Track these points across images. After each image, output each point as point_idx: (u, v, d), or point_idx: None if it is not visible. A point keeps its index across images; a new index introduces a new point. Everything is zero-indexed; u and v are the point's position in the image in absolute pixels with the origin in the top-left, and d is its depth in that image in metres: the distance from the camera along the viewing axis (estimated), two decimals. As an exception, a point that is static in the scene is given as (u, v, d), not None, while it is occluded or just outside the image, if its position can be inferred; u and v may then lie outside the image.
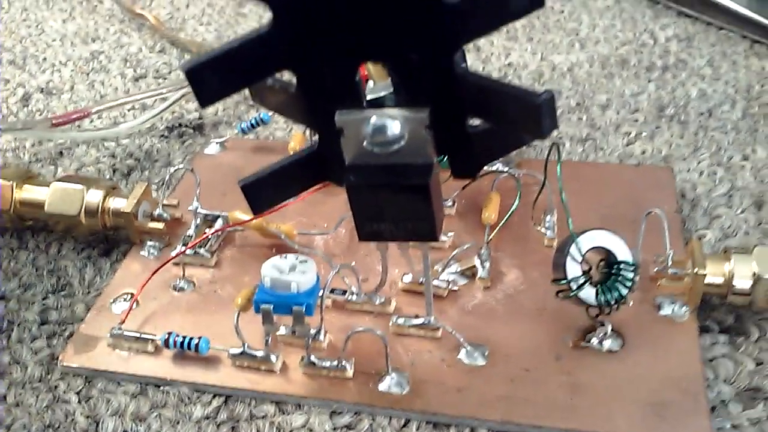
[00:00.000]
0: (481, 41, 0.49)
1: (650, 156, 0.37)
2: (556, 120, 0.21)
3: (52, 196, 0.33)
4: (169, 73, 0.48)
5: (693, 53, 0.46)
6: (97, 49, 0.51)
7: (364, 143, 0.23)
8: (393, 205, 0.24)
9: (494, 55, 0.47)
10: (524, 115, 0.21)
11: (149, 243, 0.33)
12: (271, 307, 0.25)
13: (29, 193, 0.34)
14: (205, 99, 0.22)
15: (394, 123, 0.23)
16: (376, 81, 0.28)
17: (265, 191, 0.25)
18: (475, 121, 0.23)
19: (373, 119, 0.23)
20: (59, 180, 0.33)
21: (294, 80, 0.23)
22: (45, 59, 0.51)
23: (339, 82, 0.23)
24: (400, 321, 0.28)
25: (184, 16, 0.55)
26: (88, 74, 0.49)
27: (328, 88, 0.23)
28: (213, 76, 0.22)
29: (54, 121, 0.39)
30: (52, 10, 0.58)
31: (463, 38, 0.21)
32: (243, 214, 0.31)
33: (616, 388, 0.26)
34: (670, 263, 0.28)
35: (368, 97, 0.23)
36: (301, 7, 0.21)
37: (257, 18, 0.54)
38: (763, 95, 0.41)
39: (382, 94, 0.24)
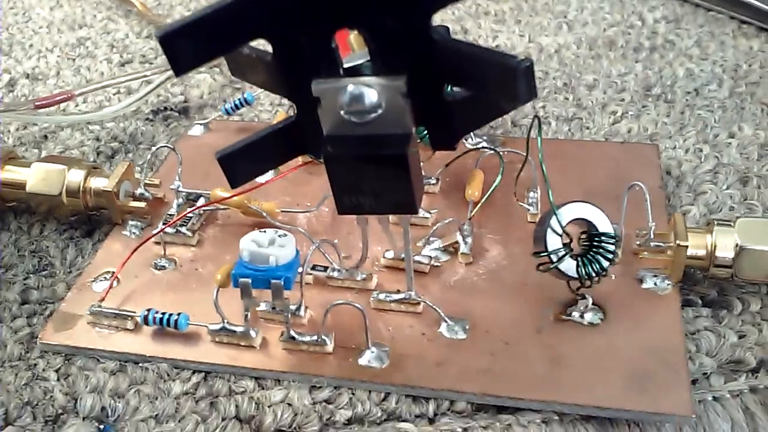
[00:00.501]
0: (469, 24, 0.48)
1: (636, 134, 0.37)
2: (535, 88, 0.21)
3: (34, 176, 0.33)
4: (155, 58, 0.48)
5: (681, 34, 0.46)
6: (83, 35, 0.51)
7: (342, 113, 0.23)
8: (371, 177, 0.24)
9: (481, 38, 0.47)
10: (501, 80, 0.21)
11: (131, 222, 0.33)
12: (250, 281, 0.25)
13: (10, 173, 0.33)
14: (180, 67, 0.22)
15: (370, 91, 0.22)
16: (355, 49, 0.28)
17: (242, 163, 0.25)
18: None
19: (350, 87, 0.22)
20: (40, 160, 0.33)
21: (270, 49, 0.23)
22: (31, 46, 0.50)
23: (315, 49, 0.23)
24: (381, 296, 0.28)
25: (171, 2, 0.55)
26: (74, 60, 0.48)
27: (304, 56, 0.23)
28: (187, 43, 0.22)
29: (37, 103, 0.38)
30: (40, -3, 0.57)
31: (438, 2, 0.21)
32: (224, 192, 0.31)
33: (597, 360, 0.25)
34: (652, 236, 0.28)
35: (345, 66, 0.23)
36: (275, -27, 0.21)
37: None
38: (750, 74, 0.41)
39: (359, 62, 0.24)
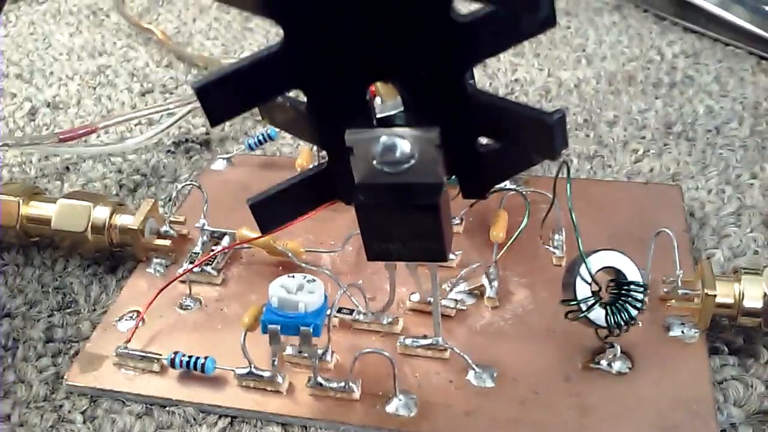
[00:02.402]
0: (488, 57, 0.48)
1: (658, 173, 0.37)
2: (567, 139, 0.21)
3: (59, 212, 0.33)
4: (176, 87, 0.48)
5: (700, 69, 0.46)
6: (104, 63, 0.51)
7: (374, 162, 0.23)
8: (402, 225, 0.24)
9: (501, 71, 0.47)
10: (536, 135, 0.21)
11: (156, 260, 0.33)
12: (279, 327, 0.25)
13: (36, 209, 0.33)
14: (215, 118, 0.22)
15: (403, 142, 0.22)
16: (384, 99, 0.28)
17: (273, 210, 0.25)
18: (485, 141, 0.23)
19: (383, 138, 0.23)
20: (66, 196, 0.33)
21: (303, 98, 0.23)
22: (52, 73, 0.51)
23: (349, 100, 0.23)
24: (408, 341, 0.28)
25: (191, 31, 0.55)
26: (94, 88, 0.49)
27: (338, 106, 0.23)
28: (223, 95, 0.22)
29: (61, 137, 0.39)
30: (59, 23, 0.58)
31: (474, 58, 0.21)
32: (250, 231, 0.31)
33: (625, 410, 0.25)
34: (679, 284, 0.28)
35: (378, 116, 0.23)
36: (311, 26, 0.21)
37: (264, 32, 0.54)
38: (771, 112, 0.41)
39: (392, 112, 0.24)
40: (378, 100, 0.29)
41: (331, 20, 0.21)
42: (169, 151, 0.42)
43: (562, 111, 0.20)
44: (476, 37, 0.20)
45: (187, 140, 0.42)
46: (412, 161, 0.23)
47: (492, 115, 0.22)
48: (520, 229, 0.31)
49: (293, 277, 0.26)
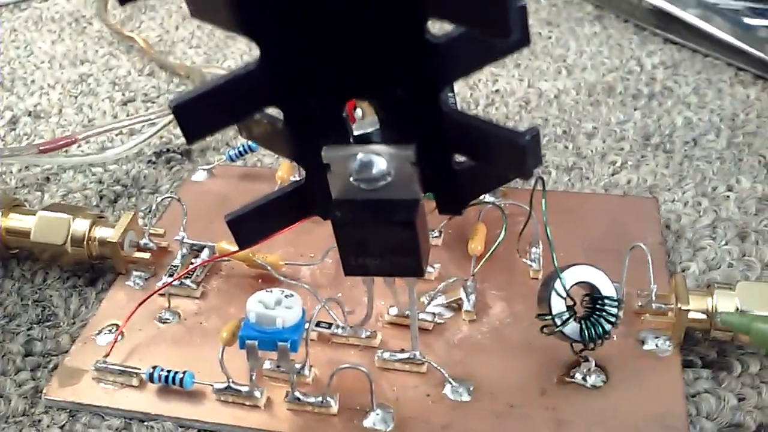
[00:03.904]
0: (469, 67, 0.49)
1: (635, 185, 0.37)
2: (540, 157, 0.21)
3: (38, 225, 0.33)
4: (158, 96, 0.48)
5: (679, 80, 0.46)
6: (85, 71, 0.51)
7: (351, 179, 0.23)
8: (379, 241, 0.24)
9: (482, 82, 0.47)
10: (508, 155, 0.21)
11: (135, 273, 0.33)
12: (256, 343, 0.25)
13: (15, 221, 0.33)
14: (192, 135, 0.23)
15: (380, 159, 0.23)
16: (365, 113, 0.28)
17: (251, 226, 0.25)
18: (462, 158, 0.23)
19: (360, 155, 0.23)
20: (45, 209, 0.33)
21: (281, 115, 0.23)
22: (33, 81, 0.51)
23: (326, 118, 0.23)
24: (386, 355, 0.28)
25: (174, 39, 0.55)
26: (76, 97, 0.48)
27: (314, 124, 0.23)
28: (200, 112, 0.22)
29: (41, 148, 0.39)
30: (41, 31, 0.58)
31: (449, 77, 0.21)
32: (229, 244, 0.31)
33: (600, 423, 0.26)
34: (653, 298, 0.28)
35: (355, 133, 0.24)
36: (288, 45, 0.21)
37: (246, 42, 0.54)
38: (748, 124, 0.42)
39: (369, 130, 0.24)
40: (359, 111, 0.29)
41: (307, 39, 0.21)
42: (150, 161, 0.42)
43: (536, 129, 0.21)
44: (450, 57, 0.20)
45: (168, 150, 0.42)
46: (389, 178, 0.23)
47: (466, 134, 0.22)
48: (497, 243, 0.31)
49: (271, 291, 0.26)
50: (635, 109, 0.44)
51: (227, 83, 0.22)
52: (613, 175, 0.38)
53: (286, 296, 0.26)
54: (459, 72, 0.21)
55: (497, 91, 0.46)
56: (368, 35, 0.21)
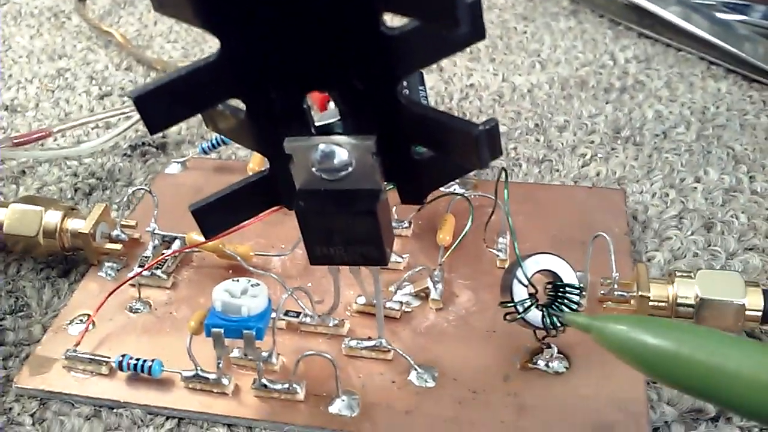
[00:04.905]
0: (444, 61, 0.49)
1: (605, 177, 0.38)
2: (499, 149, 0.22)
3: (11, 217, 0.33)
4: (135, 91, 0.48)
5: (651, 74, 0.47)
6: (63, 66, 0.52)
7: (313, 169, 0.24)
8: (342, 230, 0.24)
9: (456, 76, 0.48)
10: (464, 146, 0.21)
11: (107, 264, 0.33)
12: (222, 331, 0.26)
13: (-13, 214, 0.34)
14: (153, 126, 0.23)
15: (341, 150, 0.23)
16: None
17: (216, 215, 0.26)
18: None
19: (321, 146, 0.23)
20: (17, 201, 0.33)
21: (243, 106, 0.24)
22: (11, 76, 0.51)
23: (287, 109, 0.23)
24: (353, 343, 0.29)
25: (152, 34, 0.56)
26: (53, 92, 0.49)
27: (276, 115, 0.23)
28: (161, 103, 0.22)
29: (15, 141, 0.39)
30: (20, 26, 0.58)
31: (405, 68, 0.22)
32: (199, 235, 0.31)
33: (561, 409, 0.26)
34: (616, 286, 0.29)
35: (317, 124, 0.24)
36: (248, 37, 0.22)
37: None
38: (717, 117, 0.42)
39: (330, 121, 0.24)
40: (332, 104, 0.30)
41: (266, 32, 0.21)
42: (125, 154, 0.42)
43: (494, 120, 0.21)
44: (406, 49, 0.21)
45: (143, 144, 0.43)
46: (350, 168, 0.23)
47: (424, 126, 0.22)
48: (463, 233, 0.31)
49: (238, 281, 0.27)
50: (607, 103, 0.44)
51: (188, 74, 0.22)
52: (582, 167, 0.39)
53: (252, 285, 0.26)
54: (415, 64, 0.22)
55: (471, 85, 0.47)
56: (325, 28, 0.21)
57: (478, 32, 0.20)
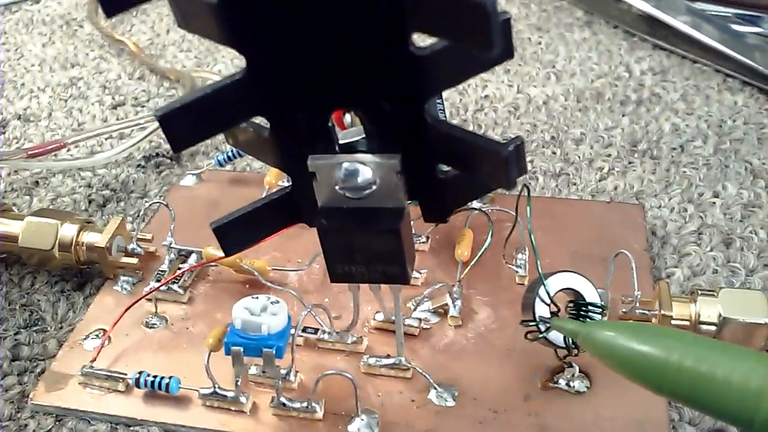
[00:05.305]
0: (459, 72, 0.49)
1: (622, 191, 0.38)
2: (525, 166, 0.21)
3: (26, 230, 0.33)
4: (148, 100, 0.48)
5: (667, 87, 0.46)
6: (76, 75, 0.51)
7: (336, 187, 0.23)
8: (364, 248, 0.24)
9: (471, 87, 0.47)
10: (491, 166, 0.21)
11: (123, 278, 0.33)
12: (242, 349, 0.25)
13: (3, 226, 0.33)
14: (177, 145, 0.23)
15: (365, 169, 0.23)
16: (353, 121, 0.28)
17: (237, 233, 0.25)
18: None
19: (345, 164, 0.23)
20: (33, 214, 0.33)
21: (267, 123, 0.23)
22: (23, 85, 0.51)
23: (312, 127, 0.23)
24: (371, 361, 0.28)
25: (165, 42, 0.55)
26: (66, 101, 0.48)
27: (300, 133, 0.23)
28: (186, 122, 0.22)
29: (30, 152, 0.39)
30: (32, 34, 0.58)
31: (433, 89, 0.22)
32: (216, 250, 0.31)
33: (582, 430, 0.26)
34: (637, 304, 0.29)
35: (341, 142, 0.24)
36: (274, 56, 0.21)
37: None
38: (735, 130, 0.42)
39: (354, 139, 0.24)
40: (347, 117, 0.30)
41: (293, 51, 0.21)
42: (139, 165, 0.42)
43: (519, 139, 0.21)
44: (434, 69, 0.21)
45: (157, 155, 0.42)
46: (374, 187, 0.23)
47: (451, 145, 0.22)
48: (483, 249, 0.31)
49: (257, 298, 0.26)
50: (623, 115, 0.44)
51: (213, 93, 0.22)
52: (600, 181, 0.39)
53: (271, 303, 0.26)
54: (443, 84, 0.22)
55: (486, 96, 0.47)
56: (353, 48, 0.21)
57: (508, 51, 0.20)
